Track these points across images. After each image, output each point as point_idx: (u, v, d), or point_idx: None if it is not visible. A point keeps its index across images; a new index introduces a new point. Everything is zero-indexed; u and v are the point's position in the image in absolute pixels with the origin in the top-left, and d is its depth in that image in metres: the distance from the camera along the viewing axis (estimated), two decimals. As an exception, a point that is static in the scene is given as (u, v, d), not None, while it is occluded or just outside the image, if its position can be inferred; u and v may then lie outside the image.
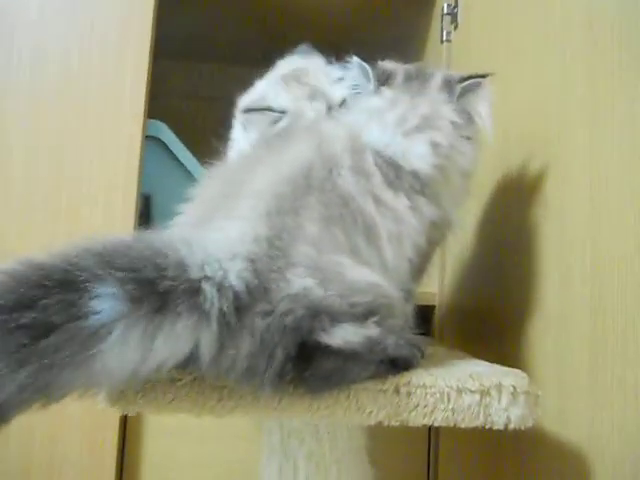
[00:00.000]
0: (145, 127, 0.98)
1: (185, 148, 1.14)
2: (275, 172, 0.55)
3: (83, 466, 0.91)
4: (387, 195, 0.56)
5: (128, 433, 0.95)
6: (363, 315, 0.49)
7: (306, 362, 0.45)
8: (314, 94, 0.78)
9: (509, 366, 0.68)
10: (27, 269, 0.40)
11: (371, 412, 0.49)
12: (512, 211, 0.75)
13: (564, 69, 0.64)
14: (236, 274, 0.45)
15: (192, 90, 1.45)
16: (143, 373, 0.42)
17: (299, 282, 0.47)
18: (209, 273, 0.45)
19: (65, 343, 0.38)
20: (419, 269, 0.62)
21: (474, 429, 0.50)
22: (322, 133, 0.60)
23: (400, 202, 0.56)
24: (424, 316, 1.01)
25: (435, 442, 0.98)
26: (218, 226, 0.50)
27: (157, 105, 1.07)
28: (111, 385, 0.45)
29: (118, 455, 0.92)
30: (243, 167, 0.59)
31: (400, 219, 0.56)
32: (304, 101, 0.77)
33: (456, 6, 1.01)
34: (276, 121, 0.77)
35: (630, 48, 0.52)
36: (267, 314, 0.45)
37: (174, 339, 0.42)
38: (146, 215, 1.12)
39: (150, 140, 1.09)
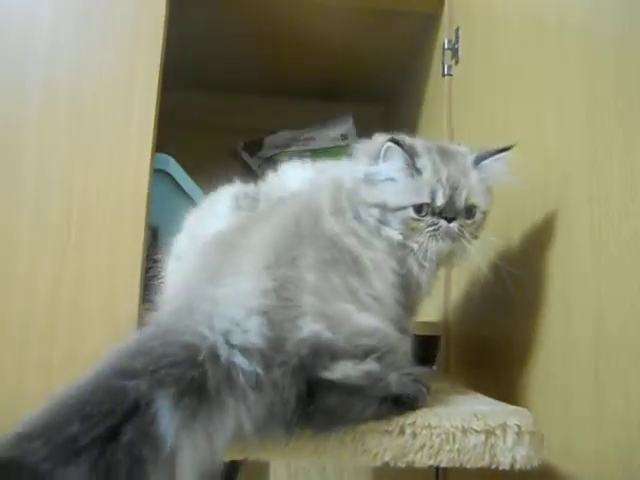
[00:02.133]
0: (153, 161, 1.00)
1: (192, 181, 1.16)
2: (268, 229, 0.58)
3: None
4: (355, 224, 0.61)
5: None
6: (364, 353, 0.50)
7: (310, 398, 0.47)
8: None
9: (513, 399, 0.69)
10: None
11: (377, 454, 0.49)
12: (516, 244, 0.76)
13: (562, 109, 0.66)
14: (255, 331, 0.47)
15: (198, 121, 1.47)
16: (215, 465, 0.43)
17: (308, 328, 0.49)
18: (235, 341, 0.46)
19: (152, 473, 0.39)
20: (407, 305, 0.62)
21: (481, 468, 0.51)
22: (309, 190, 0.65)
23: (364, 230, 0.61)
24: (429, 346, 1.02)
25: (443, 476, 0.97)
26: (224, 283, 0.51)
27: (165, 136, 1.10)
28: None
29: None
30: (237, 232, 0.61)
31: (372, 246, 0.59)
32: None
33: (457, 42, 1.04)
34: None
35: (628, 93, 0.53)
36: (283, 363, 0.46)
37: (225, 425, 0.43)
38: (154, 246, 1.14)
39: (158, 173, 1.10)
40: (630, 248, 0.51)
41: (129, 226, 0.96)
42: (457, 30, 1.04)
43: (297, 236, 0.56)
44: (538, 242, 0.69)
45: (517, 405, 0.59)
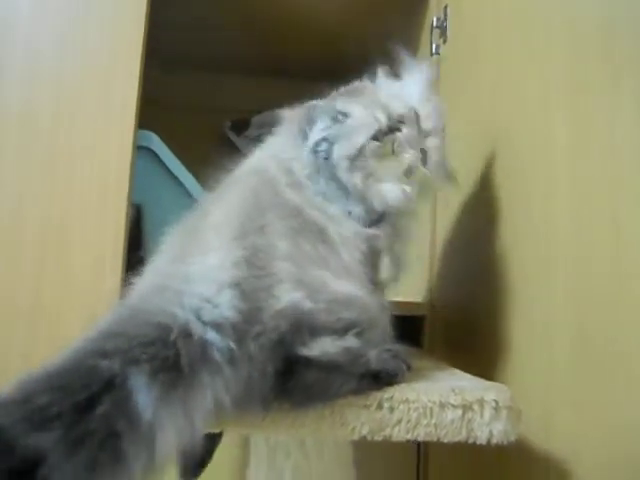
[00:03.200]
0: (136, 138, 0.98)
1: (176, 159, 1.14)
2: (228, 205, 0.57)
3: None
4: (319, 201, 0.61)
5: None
6: (344, 328, 0.50)
7: (289, 375, 0.46)
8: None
9: (496, 377, 0.69)
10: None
11: (354, 427, 0.49)
12: (499, 223, 0.75)
13: (546, 82, 0.65)
14: (227, 305, 0.46)
15: (185, 101, 1.46)
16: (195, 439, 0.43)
17: (287, 296, 0.48)
18: (206, 318, 0.45)
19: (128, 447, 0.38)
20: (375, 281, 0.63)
21: (463, 443, 0.51)
22: (256, 166, 0.64)
23: (332, 207, 0.61)
24: (414, 326, 1.03)
25: (424, 456, 0.98)
26: (193, 261, 0.50)
27: (150, 116, 1.08)
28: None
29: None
30: (198, 215, 0.59)
31: (339, 222, 0.59)
32: None
33: (445, 20, 1.02)
34: None
35: (613, 76, 0.53)
36: (260, 334, 0.46)
37: (203, 401, 0.43)
38: (137, 224, 1.13)
39: (141, 150, 1.09)
40: (610, 227, 0.51)
41: (112, 202, 0.95)
42: (445, 8, 1.03)
43: (260, 207, 0.56)
44: (521, 222, 0.69)
45: (500, 382, 0.59)
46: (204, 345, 0.44)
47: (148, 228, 1.13)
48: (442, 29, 1.04)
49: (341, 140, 0.63)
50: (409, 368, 0.60)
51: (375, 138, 0.63)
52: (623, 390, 0.49)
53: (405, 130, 0.64)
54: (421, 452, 0.99)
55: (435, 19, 1.06)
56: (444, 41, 1.03)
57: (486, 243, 0.80)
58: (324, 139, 0.63)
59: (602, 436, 0.52)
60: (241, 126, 1.51)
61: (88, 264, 0.92)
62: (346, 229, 0.59)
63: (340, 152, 0.62)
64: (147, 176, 1.10)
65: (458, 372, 0.66)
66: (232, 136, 1.52)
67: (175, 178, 1.15)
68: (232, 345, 0.44)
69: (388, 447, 0.97)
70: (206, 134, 1.42)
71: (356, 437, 0.49)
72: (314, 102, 0.65)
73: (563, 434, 0.58)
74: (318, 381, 0.47)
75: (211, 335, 0.44)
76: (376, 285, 0.62)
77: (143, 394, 0.40)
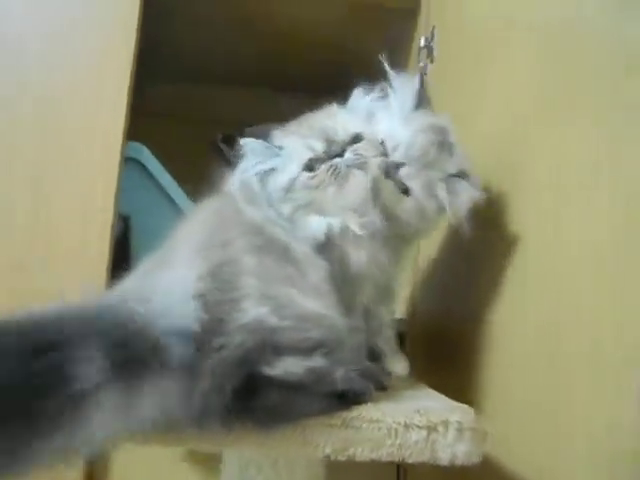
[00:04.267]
0: (124, 149, 1.00)
1: (165, 171, 1.16)
2: (192, 223, 0.58)
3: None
4: (274, 216, 0.61)
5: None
6: (310, 348, 0.50)
7: (251, 394, 0.46)
8: None
9: (471, 396, 0.70)
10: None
11: (318, 446, 0.49)
12: (478, 242, 0.76)
13: (529, 110, 0.67)
14: (190, 316, 0.46)
15: (177, 112, 1.47)
16: (125, 437, 0.43)
17: (252, 311, 0.49)
18: (165, 325, 0.45)
19: (52, 408, 0.39)
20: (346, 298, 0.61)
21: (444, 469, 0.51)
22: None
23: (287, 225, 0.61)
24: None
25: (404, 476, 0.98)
26: (159, 276, 0.51)
27: (141, 128, 1.09)
28: (91, 450, 0.44)
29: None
30: (165, 244, 0.59)
31: (298, 240, 0.59)
32: None
33: (432, 40, 1.04)
34: None
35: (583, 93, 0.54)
36: (222, 347, 0.46)
37: (149, 402, 0.43)
38: (125, 236, 1.13)
39: (130, 162, 1.10)
40: (588, 230, 0.52)
41: (98, 214, 0.96)
42: (433, 29, 1.04)
43: (223, 225, 0.56)
44: (498, 241, 0.70)
45: (476, 403, 0.60)
46: (159, 349, 0.44)
47: (136, 240, 1.14)
48: (429, 49, 1.05)
49: (275, 173, 0.63)
50: (383, 387, 0.61)
51: (309, 168, 0.62)
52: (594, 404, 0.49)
53: (348, 154, 0.62)
54: (400, 473, 0.99)
55: (423, 39, 1.08)
56: (431, 61, 1.05)
57: (467, 261, 0.81)
58: (256, 173, 0.63)
59: (576, 451, 0.52)
60: (233, 139, 1.52)
61: (73, 275, 0.93)
62: (307, 247, 0.59)
63: (274, 184, 0.63)
64: (135, 188, 1.11)
65: (431, 392, 0.66)
66: (224, 149, 1.53)
67: (163, 190, 1.16)
68: (190, 355, 0.45)
69: (367, 467, 0.98)
70: (200, 147, 1.43)
71: (320, 455, 0.50)
72: (246, 139, 0.64)
73: (540, 452, 0.58)
74: (281, 401, 0.47)
75: (168, 341, 0.45)
76: (353, 307, 0.63)
77: (89, 370, 0.40)
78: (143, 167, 1.14)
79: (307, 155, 0.63)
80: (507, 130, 0.72)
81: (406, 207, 0.65)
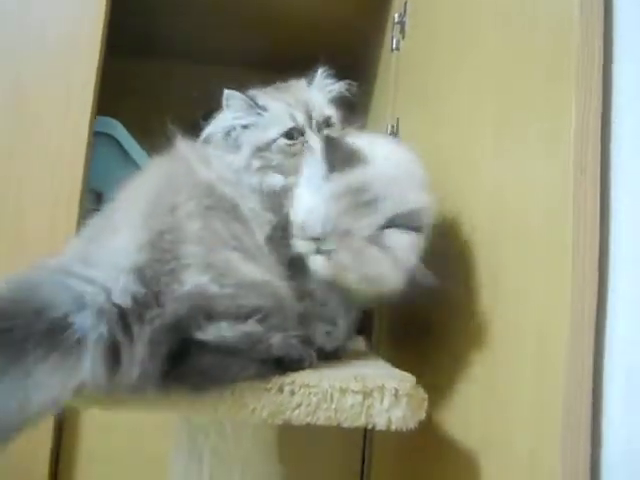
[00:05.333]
0: (93, 123, 0.99)
1: (138, 145, 1.15)
2: (141, 186, 0.58)
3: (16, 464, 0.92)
4: (228, 174, 0.62)
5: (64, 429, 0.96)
6: (246, 314, 0.50)
7: (184, 358, 0.47)
8: None
9: (429, 374, 0.70)
10: None
11: (254, 409, 0.50)
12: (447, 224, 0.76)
13: (499, 89, 0.66)
14: (121, 290, 0.46)
15: (151, 89, 1.46)
16: (28, 417, 0.43)
17: (192, 280, 0.49)
18: (101, 302, 0.46)
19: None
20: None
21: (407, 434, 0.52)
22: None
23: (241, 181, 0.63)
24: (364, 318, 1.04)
25: (370, 446, 1.00)
26: (99, 244, 0.51)
27: (115, 104, 1.09)
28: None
29: (52, 449, 0.93)
30: (114, 203, 0.59)
31: (248, 196, 0.61)
32: None
33: (405, 15, 1.03)
34: None
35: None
36: (155, 318, 0.47)
37: (47, 382, 0.43)
38: (98, 211, 1.13)
39: (102, 137, 1.10)
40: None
41: (66, 189, 0.96)
42: (405, 4, 1.03)
43: (173, 187, 0.56)
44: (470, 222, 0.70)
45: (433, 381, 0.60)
46: (61, 328, 0.44)
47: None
48: (402, 24, 1.05)
49: (254, 130, 0.65)
50: (333, 356, 0.61)
51: (288, 136, 0.65)
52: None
53: (322, 134, 0.65)
54: (367, 441, 1.00)
55: (397, 15, 1.07)
56: (403, 37, 1.04)
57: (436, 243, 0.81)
58: (233, 127, 0.64)
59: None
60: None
61: (41, 248, 0.93)
62: (255, 204, 0.60)
63: (249, 140, 0.64)
64: (108, 163, 1.11)
65: (380, 363, 0.67)
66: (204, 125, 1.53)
67: (137, 166, 1.15)
68: (108, 331, 0.45)
69: (334, 435, 0.99)
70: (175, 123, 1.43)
71: (256, 420, 0.50)
72: (233, 92, 0.66)
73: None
74: (214, 365, 0.48)
75: (79, 319, 0.45)
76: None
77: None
78: (117, 142, 1.13)
79: (290, 124, 0.66)
80: (481, 117, 0.70)
81: (350, 281, 0.59)
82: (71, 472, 0.96)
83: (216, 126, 0.67)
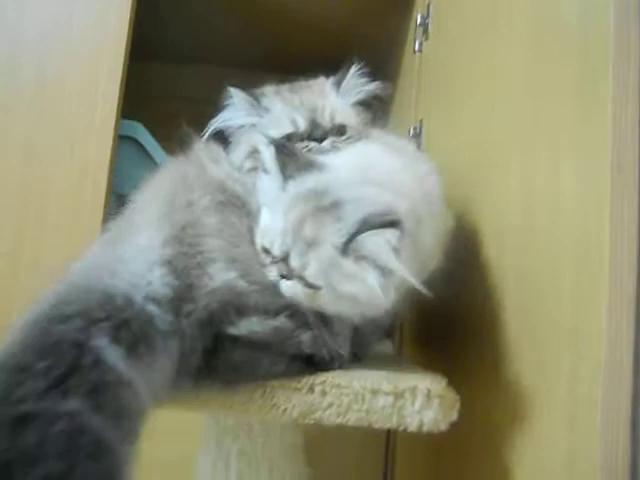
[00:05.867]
0: (118, 126, 1.00)
1: (161, 148, 1.16)
2: (157, 187, 0.59)
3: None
4: (235, 174, 0.61)
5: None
6: (276, 310, 0.50)
7: (216, 353, 0.47)
8: None
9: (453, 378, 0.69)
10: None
11: (285, 409, 0.50)
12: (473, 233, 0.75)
13: (528, 90, 0.65)
14: (159, 282, 0.47)
15: (175, 92, 1.47)
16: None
17: (221, 276, 0.49)
18: (143, 292, 0.46)
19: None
20: None
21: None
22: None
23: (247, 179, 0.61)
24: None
25: (393, 446, 0.99)
26: (124, 242, 0.51)
27: (140, 107, 1.10)
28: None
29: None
30: (132, 205, 0.60)
31: (251, 192, 0.59)
32: None
33: (428, 18, 1.03)
34: None
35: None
36: (191, 312, 0.47)
37: (164, 364, 0.45)
38: (120, 214, 1.14)
39: (126, 140, 1.11)
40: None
41: (90, 192, 0.97)
42: (428, 5, 1.03)
43: (187, 186, 0.56)
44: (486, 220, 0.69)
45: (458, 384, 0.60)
46: (147, 315, 0.45)
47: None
48: (425, 26, 1.04)
49: (253, 131, 0.64)
50: (358, 359, 0.61)
51: (287, 140, 0.62)
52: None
53: (326, 143, 0.63)
54: (390, 442, 0.99)
55: (419, 17, 1.07)
56: (426, 38, 1.03)
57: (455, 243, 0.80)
58: (233, 125, 0.64)
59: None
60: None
61: (66, 250, 0.94)
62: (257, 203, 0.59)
63: (247, 140, 0.63)
64: (132, 166, 1.12)
65: (410, 365, 0.67)
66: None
67: (159, 168, 1.16)
68: (170, 318, 0.46)
69: (356, 435, 0.98)
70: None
71: (287, 420, 0.50)
72: (237, 90, 0.65)
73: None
74: (246, 359, 0.48)
75: (151, 307, 0.46)
76: None
77: (111, 350, 0.41)
78: (140, 145, 1.14)
79: (288, 129, 0.63)
80: (504, 108, 0.70)
81: (328, 304, 0.52)
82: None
83: (217, 124, 0.66)
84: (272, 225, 0.52)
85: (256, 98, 0.65)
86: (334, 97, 0.67)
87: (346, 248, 0.49)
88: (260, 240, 0.53)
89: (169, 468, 0.88)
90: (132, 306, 0.45)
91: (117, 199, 1.11)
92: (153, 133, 1.17)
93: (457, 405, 0.53)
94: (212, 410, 0.50)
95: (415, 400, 0.51)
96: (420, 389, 0.51)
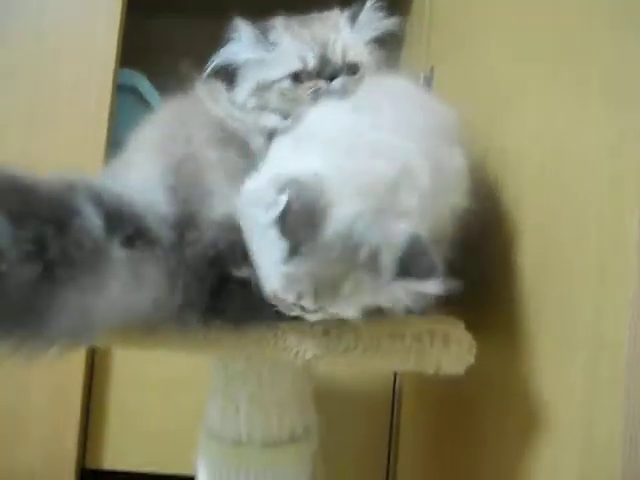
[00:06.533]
0: (116, 76, 0.97)
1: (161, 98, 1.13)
2: (154, 123, 0.57)
3: (48, 413, 0.92)
4: (236, 113, 0.59)
5: (94, 383, 0.96)
6: None
7: (224, 293, 0.46)
8: None
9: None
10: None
11: (298, 352, 0.48)
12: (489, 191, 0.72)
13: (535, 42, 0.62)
14: (163, 203, 0.47)
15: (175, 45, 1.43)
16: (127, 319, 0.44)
17: (222, 208, 0.48)
18: (145, 209, 0.46)
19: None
20: None
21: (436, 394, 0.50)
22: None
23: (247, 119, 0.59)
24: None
25: (398, 406, 0.99)
26: (126, 175, 0.51)
27: (141, 59, 1.07)
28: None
29: (83, 401, 0.93)
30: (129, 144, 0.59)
31: (254, 134, 0.58)
32: None
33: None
34: None
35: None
36: (196, 242, 0.46)
37: (151, 280, 0.44)
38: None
39: (126, 90, 1.08)
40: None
41: (90, 141, 0.95)
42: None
43: (185, 121, 0.55)
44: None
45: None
46: (148, 228, 0.45)
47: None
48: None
49: (258, 66, 0.60)
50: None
51: (294, 78, 0.58)
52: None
53: (336, 82, 0.58)
54: (395, 402, 0.99)
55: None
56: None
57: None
58: (237, 60, 0.60)
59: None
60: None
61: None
62: (261, 143, 0.57)
63: (252, 76, 0.60)
64: (131, 116, 1.08)
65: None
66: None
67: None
68: (173, 239, 0.45)
69: (361, 397, 0.98)
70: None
71: (300, 362, 0.49)
72: (243, 22, 0.60)
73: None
74: (254, 302, 0.47)
75: (151, 223, 0.46)
76: None
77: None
78: (140, 95, 1.11)
79: (297, 66, 0.59)
80: (523, 56, 0.66)
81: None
82: (102, 426, 0.96)
83: (220, 59, 0.61)
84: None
85: (263, 31, 0.61)
86: (348, 32, 0.62)
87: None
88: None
89: (181, 414, 0.88)
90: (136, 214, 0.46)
91: (118, 150, 1.09)
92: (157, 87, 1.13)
93: (474, 349, 0.51)
94: (223, 352, 0.48)
95: (433, 343, 0.50)
96: (437, 332, 0.50)
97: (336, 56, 0.60)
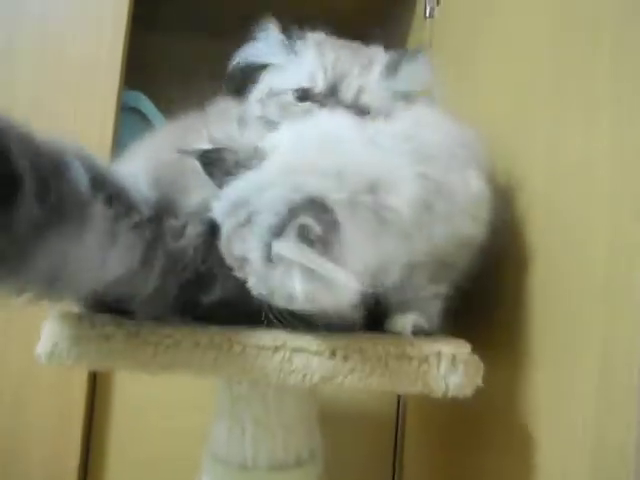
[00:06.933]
0: (120, 97, 0.98)
1: (164, 119, 1.13)
2: (151, 137, 0.60)
3: (49, 435, 0.91)
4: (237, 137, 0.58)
5: (96, 405, 0.95)
6: None
7: (204, 287, 0.48)
8: None
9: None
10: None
11: (305, 375, 0.48)
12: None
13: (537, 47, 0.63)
14: (146, 184, 0.49)
15: (177, 64, 1.44)
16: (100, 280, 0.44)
17: (199, 194, 0.49)
18: (132, 185, 0.47)
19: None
20: None
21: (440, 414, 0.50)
22: None
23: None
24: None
25: (402, 427, 0.98)
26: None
27: (140, 78, 1.07)
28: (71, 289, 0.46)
29: (85, 424, 0.92)
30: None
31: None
32: None
33: (440, -19, 1.00)
34: None
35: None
36: (177, 233, 0.48)
37: (125, 243, 0.44)
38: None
39: (130, 111, 1.08)
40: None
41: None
42: (440, -32, 1.00)
43: (182, 136, 0.54)
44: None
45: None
46: (130, 198, 0.47)
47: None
48: (437, -9, 1.01)
49: (276, 71, 0.60)
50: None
51: (300, 94, 0.57)
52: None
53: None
54: (399, 421, 0.98)
55: (431, -19, 1.03)
56: (437, 3, 1.00)
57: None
58: (257, 61, 0.60)
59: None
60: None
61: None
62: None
63: (269, 79, 0.60)
64: (135, 137, 1.09)
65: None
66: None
67: (163, 140, 1.14)
68: (153, 215, 0.47)
69: (366, 416, 0.97)
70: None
71: (307, 385, 0.48)
72: (270, 24, 0.60)
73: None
74: (229, 301, 0.48)
75: (135, 196, 0.47)
76: None
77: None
78: (143, 116, 1.12)
79: (304, 82, 0.58)
80: (518, 83, 0.67)
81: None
82: (103, 449, 0.95)
83: (241, 59, 0.60)
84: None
85: (290, 38, 0.59)
86: (376, 77, 0.59)
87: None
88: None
89: (184, 438, 0.87)
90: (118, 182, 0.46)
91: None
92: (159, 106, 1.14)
93: (481, 370, 0.51)
94: (229, 375, 0.48)
95: (440, 365, 0.49)
96: (445, 354, 0.50)
97: (348, 92, 0.58)
